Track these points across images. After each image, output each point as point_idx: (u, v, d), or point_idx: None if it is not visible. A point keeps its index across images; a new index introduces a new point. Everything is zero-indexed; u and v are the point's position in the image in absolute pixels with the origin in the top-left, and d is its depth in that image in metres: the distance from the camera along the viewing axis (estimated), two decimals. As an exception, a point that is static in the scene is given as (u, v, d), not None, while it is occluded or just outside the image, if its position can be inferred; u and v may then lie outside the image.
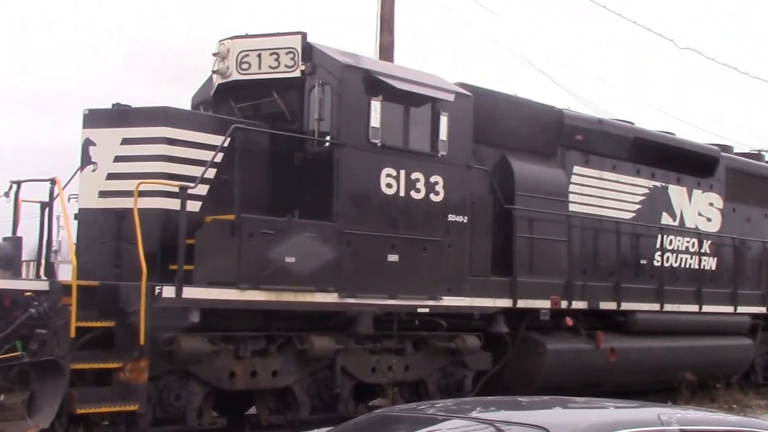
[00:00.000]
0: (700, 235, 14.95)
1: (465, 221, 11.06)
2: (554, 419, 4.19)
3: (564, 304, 12.28)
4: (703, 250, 14.95)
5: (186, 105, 11.14)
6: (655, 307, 13.74)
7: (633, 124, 14.24)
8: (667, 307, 13.90)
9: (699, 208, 15.09)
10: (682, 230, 14.63)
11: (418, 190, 10.60)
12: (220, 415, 9.87)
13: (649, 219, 14.10)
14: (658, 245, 14.11)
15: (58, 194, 9.39)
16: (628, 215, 13.80)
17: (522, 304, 11.75)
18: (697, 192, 15.06)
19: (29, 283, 9.06)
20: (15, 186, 9.69)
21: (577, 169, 13.08)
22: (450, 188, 10.88)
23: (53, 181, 9.33)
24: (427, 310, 10.72)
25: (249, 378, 9.54)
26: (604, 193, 13.42)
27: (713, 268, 15.20)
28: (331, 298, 9.86)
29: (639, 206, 14.00)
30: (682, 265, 14.63)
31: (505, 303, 11.59)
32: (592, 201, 13.22)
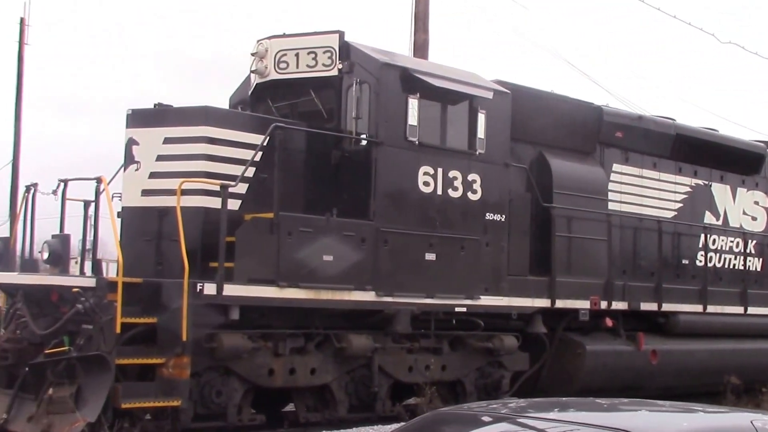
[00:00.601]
0: (745, 235, 15.13)
1: (503, 220, 11.41)
2: (640, 423, 4.11)
3: (604, 304, 12.55)
4: (747, 250, 15.12)
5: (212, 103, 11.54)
6: (698, 308, 13.95)
7: (674, 120, 14.41)
8: (711, 309, 14.11)
9: (743, 206, 15.26)
10: (725, 229, 14.82)
11: (455, 189, 10.99)
12: (258, 412, 10.30)
13: (691, 218, 14.31)
14: (700, 245, 14.32)
15: (103, 190, 9.87)
16: (670, 214, 14.02)
17: (560, 304, 12.07)
18: (741, 190, 15.25)
19: (76, 279, 9.55)
20: (62, 184, 10.24)
21: (616, 166, 13.35)
22: (488, 186, 11.25)
23: (99, 180, 9.85)
24: (464, 309, 11.08)
25: (287, 375, 9.97)
26: (644, 192, 13.67)
27: (758, 268, 15.38)
28: (368, 296, 10.27)
29: (680, 205, 14.23)
30: (726, 266, 14.83)
31: (544, 303, 11.91)
32: (632, 199, 13.48)
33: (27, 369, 9.36)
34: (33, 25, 25.95)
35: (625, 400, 5.18)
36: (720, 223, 14.80)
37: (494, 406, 4.71)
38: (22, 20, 25.89)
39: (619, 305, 12.80)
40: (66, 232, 10.33)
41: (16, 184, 28.95)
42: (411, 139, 10.57)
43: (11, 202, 29.04)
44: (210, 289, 9.16)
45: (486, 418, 4.37)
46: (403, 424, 5.19)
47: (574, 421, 4.13)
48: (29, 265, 10.63)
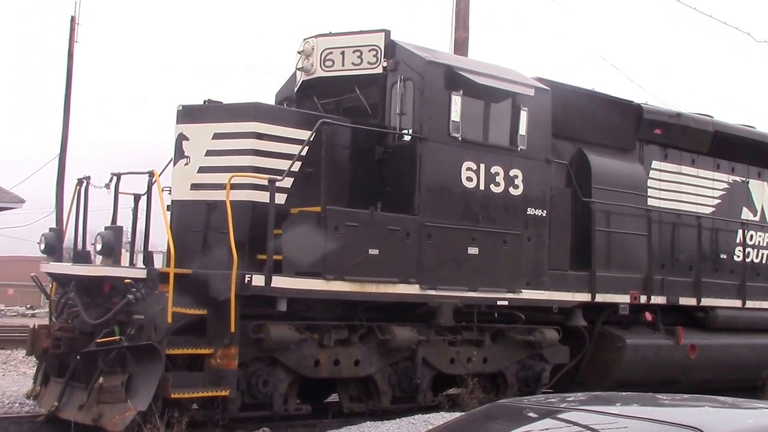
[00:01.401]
0: (783, 231, 14.86)
1: (544, 215, 11.27)
2: (707, 419, 3.93)
3: (643, 299, 12.39)
4: (785, 246, 14.85)
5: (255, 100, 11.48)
6: (737, 303, 13.73)
7: (712, 117, 14.21)
8: (749, 304, 13.88)
9: (781, 203, 14.99)
10: (762, 225, 14.60)
11: (497, 184, 10.85)
12: (303, 402, 10.22)
13: (729, 214, 14.10)
14: (738, 240, 14.10)
15: (154, 182, 9.83)
16: (708, 210, 13.83)
17: (600, 298, 11.90)
18: (779, 187, 14.98)
19: (128, 270, 9.53)
20: (115, 178, 10.22)
21: (655, 163, 13.18)
22: (529, 182, 11.10)
23: (151, 174, 9.80)
24: (506, 303, 10.95)
25: (332, 366, 9.89)
26: (682, 188, 13.49)
27: (796, 264, 15.07)
28: (412, 289, 10.16)
29: (718, 201, 14.02)
30: (764, 261, 14.59)
31: (584, 297, 11.76)
32: (671, 195, 13.31)
33: (78, 358, 9.34)
34: (83, 23, 26.09)
35: (685, 395, 5.03)
36: (757, 219, 14.56)
37: (552, 399, 4.58)
38: (72, 18, 26.01)
39: (658, 300, 12.62)
40: (117, 224, 10.31)
41: (63, 178, 29.17)
42: (454, 135, 10.44)
43: (57, 195, 29.26)
44: (258, 280, 9.08)
45: (548, 410, 4.27)
46: (464, 414, 5.09)
47: (638, 417, 3.99)
48: (81, 256, 10.63)
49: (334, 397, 11.20)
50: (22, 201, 27.12)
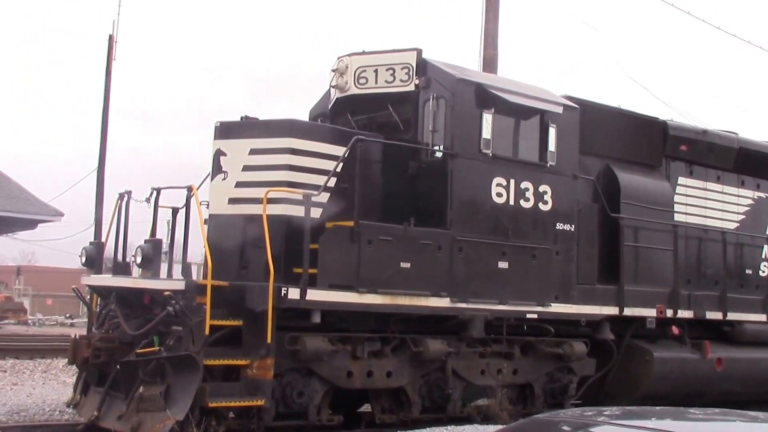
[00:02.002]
0: (807, 247, 14.62)
1: (572, 230, 11.17)
2: None
3: (670, 313, 12.24)
4: (810, 262, 14.61)
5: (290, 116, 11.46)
6: (762, 317, 13.54)
7: (737, 134, 14.07)
8: (774, 318, 13.67)
9: (805, 218, 14.75)
10: (788, 241, 14.35)
11: (527, 199, 10.76)
12: (335, 413, 10.17)
13: (754, 229, 13.93)
14: (763, 256, 13.93)
15: (192, 196, 9.83)
16: (733, 225, 13.66)
17: (628, 312, 11.78)
18: (803, 203, 14.75)
19: (168, 282, 9.53)
20: (155, 192, 10.24)
21: (681, 179, 13.05)
22: (558, 197, 11.02)
23: (189, 189, 9.81)
24: (535, 316, 10.85)
25: (365, 378, 9.83)
26: (708, 204, 13.34)
27: (820, 280, 14.83)
28: (444, 302, 10.09)
29: (743, 217, 13.85)
30: (788, 277, 14.34)
31: (612, 311, 11.64)
32: (697, 211, 13.16)
33: (118, 367, 9.35)
34: (121, 42, 26.29)
35: (716, 410, 4.94)
36: (782, 235, 14.32)
37: (588, 413, 4.49)
38: (110, 37, 26.23)
39: (685, 314, 12.47)
40: (156, 237, 10.32)
41: (102, 192, 29.37)
42: (485, 151, 10.38)
43: (96, 208, 29.45)
44: (294, 293, 9.05)
45: (586, 424, 4.20)
46: (500, 428, 5.01)
47: (674, 431, 3.94)
48: (122, 268, 10.64)
49: (366, 407, 11.12)
50: (61, 214, 27.34)
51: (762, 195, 14.15)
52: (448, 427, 9.91)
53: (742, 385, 13.05)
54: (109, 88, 25.86)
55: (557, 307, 11.02)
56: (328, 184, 9.58)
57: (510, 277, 10.56)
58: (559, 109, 11.02)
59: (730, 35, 21.03)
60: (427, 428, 9.92)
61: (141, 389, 8.95)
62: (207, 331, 8.78)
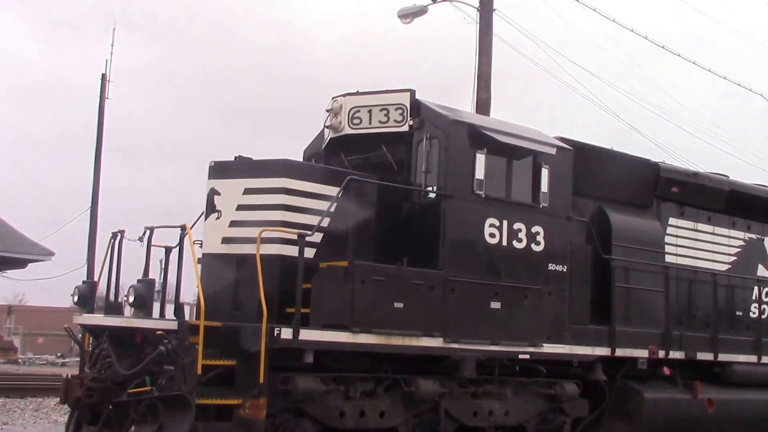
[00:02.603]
0: (797, 288, 14.63)
1: (565, 270, 11.13)
2: None
3: (661, 353, 12.19)
4: (799, 303, 14.62)
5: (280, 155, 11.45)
6: (753, 359, 13.51)
7: (728, 176, 14.15)
8: (765, 359, 13.65)
9: (795, 260, 14.80)
10: (778, 283, 14.36)
11: (520, 240, 10.75)
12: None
13: (745, 271, 13.94)
14: (754, 297, 13.93)
15: (185, 236, 9.81)
16: (724, 267, 13.68)
17: (620, 352, 11.71)
18: (793, 245, 14.81)
19: (160, 322, 9.46)
20: (148, 231, 10.20)
21: (672, 220, 13.08)
22: (551, 238, 11.00)
23: (183, 228, 9.78)
24: (528, 356, 10.78)
25: (358, 418, 9.70)
26: (699, 245, 13.37)
27: (809, 321, 14.82)
28: (436, 342, 10.01)
29: (734, 258, 13.87)
30: (779, 318, 14.33)
31: (604, 351, 11.58)
32: (688, 252, 13.18)
33: (111, 407, 9.27)
34: (113, 80, 26.45)
35: None
36: (772, 276, 14.34)
37: None
38: (103, 76, 26.38)
39: (676, 354, 12.42)
40: (149, 276, 10.26)
41: (95, 230, 29.29)
42: (478, 192, 10.38)
43: (89, 247, 29.35)
44: (287, 333, 8.96)
45: None
46: None
47: None
48: (114, 307, 10.57)
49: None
50: (52, 254, 27.23)
51: (752, 236, 14.20)
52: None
53: (732, 426, 12.99)
54: (102, 126, 25.95)
55: (549, 348, 10.95)
56: (321, 224, 9.55)
57: (502, 317, 10.50)
58: (552, 150, 11.06)
59: (720, 77, 21.25)
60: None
61: (133, 428, 8.88)
62: (199, 371, 8.68)
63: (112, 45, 26.90)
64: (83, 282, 11.01)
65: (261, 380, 8.81)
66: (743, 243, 14.04)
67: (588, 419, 11.66)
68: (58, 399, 10.39)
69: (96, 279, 11.18)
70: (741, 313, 13.76)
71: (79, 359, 11.37)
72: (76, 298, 10.61)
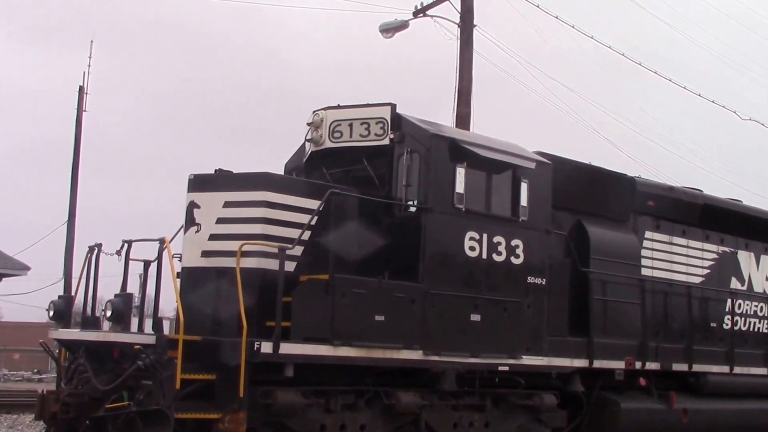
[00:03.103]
0: (769, 300, 14.70)
1: (543, 283, 11.05)
2: None
3: (638, 364, 12.14)
4: (771, 315, 14.67)
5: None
6: (725, 369, 13.50)
7: (702, 191, 14.19)
8: (737, 370, 13.66)
9: (766, 273, 14.88)
10: (750, 294, 14.43)
11: (499, 253, 10.65)
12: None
13: (718, 283, 13.96)
14: (727, 309, 13.94)
15: (164, 249, 9.60)
16: (698, 279, 13.68)
17: (598, 364, 11.64)
18: (764, 257, 14.93)
19: (138, 336, 9.23)
20: (126, 245, 9.97)
21: (648, 234, 13.06)
22: (530, 251, 10.91)
23: (162, 241, 9.57)
24: (507, 368, 10.66)
25: (339, 431, 9.54)
26: (674, 258, 13.37)
27: (781, 332, 14.88)
28: (416, 355, 9.87)
29: (708, 271, 13.88)
30: (751, 329, 14.39)
31: (582, 363, 11.50)
32: (663, 265, 13.17)
33: (88, 422, 9.01)
34: (91, 93, 26.06)
35: None
36: (745, 288, 14.41)
37: None
38: (81, 88, 26.01)
39: (652, 365, 12.37)
40: (127, 291, 10.03)
41: (72, 244, 28.82)
42: (458, 206, 10.28)
43: (66, 261, 28.87)
44: (267, 347, 8.78)
45: None
46: None
47: None
48: (91, 322, 10.31)
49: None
50: (27, 268, 26.74)
51: (726, 249, 14.22)
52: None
53: (706, 436, 12.93)
54: (80, 139, 25.59)
55: (529, 360, 10.84)
56: (302, 238, 9.40)
57: (482, 329, 10.37)
58: (532, 165, 10.98)
59: (695, 94, 21.45)
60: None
61: (110, 444, 8.63)
62: (178, 385, 8.48)
63: (90, 57, 26.48)
64: (59, 296, 10.73)
65: (241, 394, 8.63)
66: (716, 256, 14.06)
67: (566, 430, 11.55)
68: (34, 415, 10.06)
69: (73, 293, 10.90)
70: (715, 325, 13.76)
71: (56, 375, 11.06)
72: (51, 313, 10.34)
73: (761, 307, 14.58)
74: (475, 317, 10.35)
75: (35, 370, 43.70)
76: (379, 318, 9.52)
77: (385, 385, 9.90)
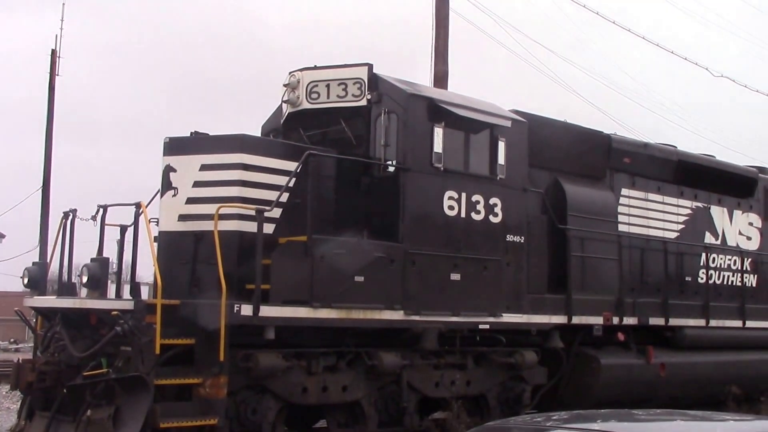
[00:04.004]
0: (742, 253, 14.64)
1: (522, 241, 10.86)
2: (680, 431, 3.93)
3: (616, 320, 12.03)
4: (744, 268, 14.62)
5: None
6: (701, 322, 13.44)
7: (676, 147, 14.01)
8: (713, 323, 13.60)
9: (739, 227, 14.80)
10: (724, 248, 14.33)
11: (478, 212, 10.42)
12: (291, 429, 9.72)
13: (693, 238, 13.84)
14: (702, 263, 13.85)
15: (141, 213, 9.30)
16: (673, 235, 13.55)
17: (576, 320, 11.51)
18: (737, 212, 14.80)
19: (115, 302, 8.95)
20: (102, 210, 9.62)
21: (624, 190, 12.88)
22: (508, 210, 10.70)
23: (138, 205, 9.25)
24: (488, 326, 10.50)
25: (320, 393, 9.37)
26: (650, 214, 13.20)
27: (754, 284, 14.87)
28: (397, 315, 9.68)
29: (683, 226, 13.75)
30: (725, 282, 14.32)
31: (561, 319, 11.35)
32: (639, 221, 13.00)
33: (65, 391, 8.73)
34: (64, 56, 25.28)
35: (658, 411, 5.05)
36: (719, 242, 14.31)
37: (538, 419, 4.44)
38: (53, 52, 25.26)
39: (630, 320, 12.26)
40: (104, 256, 9.69)
41: (47, 210, 28.25)
42: (436, 165, 10.02)
43: (42, 228, 28.31)
44: (246, 310, 8.55)
45: (535, 429, 4.18)
46: None
47: None
48: (67, 289, 9.98)
49: (322, 423, 10.63)
50: (2, 236, 26.20)
51: (699, 205, 14.09)
52: (406, 441, 9.48)
53: (684, 389, 12.88)
54: (53, 104, 24.91)
55: (509, 317, 10.68)
56: (280, 200, 9.11)
57: (462, 288, 10.18)
58: (508, 123, 10.72)
59: (668, 51, 21.40)
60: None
61: (89, 412, 8.36)
62: (157, 351, 8.23)
63: (62, 20, 25.66)
64: (33, 263, 10.37)
65: (221, 358, 8.41)
66: (691, 211, 13.93)
67: (547, 386, 11.45)
68: (9, 385, 9.76)
69: (48, 260, 10.54)
70: (690, 279, 13.66)
71: (33, 344, 10.75)
72: (26, 281, 9.99)
73: (734, 261, 14.51)
74: (455, 276, 10.15)
75: (12, 340, 43.16)
76: (359, 279, 9.30)
77: (366, 345, 9.71)
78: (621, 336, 12.20)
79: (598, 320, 11.83)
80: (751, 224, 15.03)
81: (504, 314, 10.62)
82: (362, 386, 9.67)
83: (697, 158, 14.23)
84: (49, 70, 25.03)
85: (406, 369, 9.91)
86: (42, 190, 25.90)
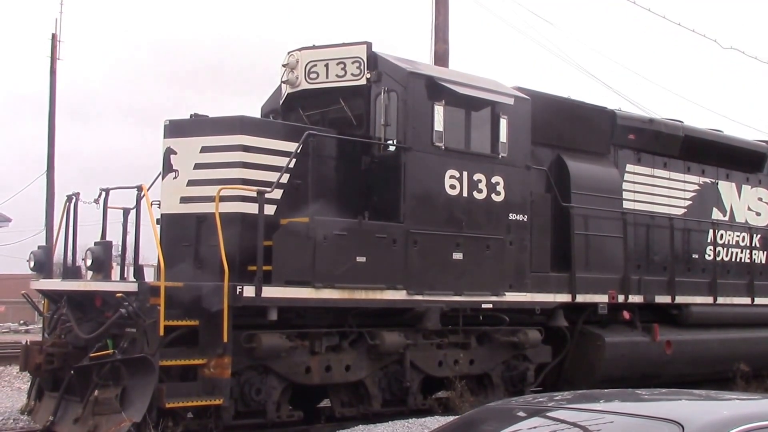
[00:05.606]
0: (750, 230, 14.78)
1: (525, 220, 11.08)
2: (685, 412, 3.87)
3: (621, 298, 12.24)
4: (753, 244, 14.78)
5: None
6: (708, 300, 13.63)
7: (682, 122, 14.12)
8: (720, 300, 13.78)
9: (748, 202, 14.94)
10: (732, 225, 14.49)
11: (480, 191, 10.64)
12: (295, 409, 10.01)
13: (700, 214, 13.99)
14: (709, 240, 14.01)
15: (143, 196, 9.56)
16: (680, 211, 13.70)
17: (581, 298, 11.74)
18: (746, 187, 14.93)
19: (120, 284, 9.24)
20: (104, 193, 9.90)
21: (629, 167, 13.04)
22: (510, 188, 10.92)
23: (140, 188, 9.52)
24: (490, 305, 10.74)
25: (324, 372, 9.65)
26: (655, 190, 13.36)
27: (763, 261, 15.04)
28: (400, 295, 9.93)
29: (690, 202, 13.91)
30: (733, 259, 14.48)
31: (565, 298, 11.59)
32: (645, 198, 13.17)
33: (72, 372, 9.05)
34: (65, 41, 25.59)
35: (663, 390, 5.01)
36: (727, 219, 14.46)
37: (540, 399, 4.48)
38: (54, 36, 25.53)
39: (635, 298, 12.48)
40: (107, 239, 10.00)
41: (52, 195, 28.64)
42: (437, 144, 10.23)
43: (47, 212, 28.72)
44: (249, 291, 8.82)
45: (536, 410, 4.20)
46: (455, 417, 4.96)
47: (622, 412, 3.93)
48: (72, 272, 10.30)
49: (327, 403, 10.94)
50: (9, 220, 26.60)
51: (707, 180, 14.24)
52: (410, 420, 9.75)
53: (691, 366, 13.10)
54: (55, 88, 25.21)
55: (512, 296, 10.92)
56: (281, 181, 9.36)
57: (464, 267, 10.43)
58: (510, 101, 10.91)
59: (675, 24, 21.35)
60: (389, 421, 9.77)
61: (96, 393, 8.67)
62: (161, 333, 8.52)
63: (62, 4, 25.96)
64: (38, 247, 10.70)
65: (225, 339, 8.69)
66: (698, 187, 14.09)
67: (551, 365, 11.70)
68: (19, 367, 10.11)
69: (53, 243, 10.86)
70: (697, 256, 13.85)
71: (41, 326, 11.10)
72: (32, 264, 10.32)
73: (743, 237, 14.67)
74: (458, 255, 10.39)
75: (21, 322, 43.78)
76: (361, 259, 9.55)
77: (369, 325, 9.97)
78: (626, 314, 12.40)
79: (603, 298, 12.05)
80: (760, 199, 15.18)
81: (507, 293, 10.86)
82: (365, 366, 9.94)
83: (704, 133, 14.35)
84: (50, 54, 25.30)
85: (409, 348, 10.17)
86: (47, 175, 26.25)
